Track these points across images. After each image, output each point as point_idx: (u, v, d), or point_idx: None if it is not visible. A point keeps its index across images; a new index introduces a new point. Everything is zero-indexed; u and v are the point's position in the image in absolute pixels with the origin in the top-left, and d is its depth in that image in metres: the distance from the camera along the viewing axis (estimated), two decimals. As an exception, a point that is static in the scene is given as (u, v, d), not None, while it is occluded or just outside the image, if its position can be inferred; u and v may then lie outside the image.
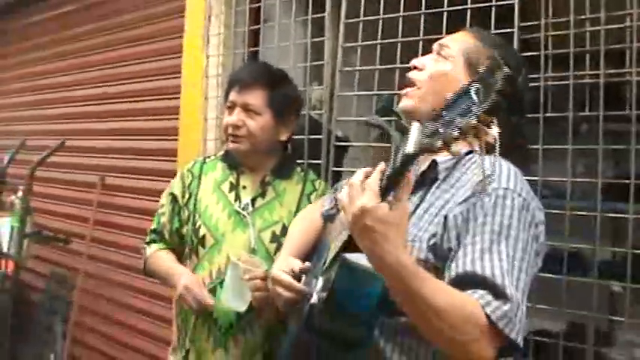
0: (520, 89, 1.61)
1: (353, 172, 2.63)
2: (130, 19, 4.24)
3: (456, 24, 2.44)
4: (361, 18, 2.82)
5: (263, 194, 2.38)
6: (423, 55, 2.45)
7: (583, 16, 2.31)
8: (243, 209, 2.34)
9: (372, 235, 1.25)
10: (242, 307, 2.18)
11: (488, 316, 1.31)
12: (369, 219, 1.25)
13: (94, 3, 4.60)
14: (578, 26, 2.32)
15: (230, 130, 2.32)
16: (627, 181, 2.21)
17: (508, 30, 2.36)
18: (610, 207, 2.31)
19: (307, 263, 1.82)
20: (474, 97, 1.09)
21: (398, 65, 2.68)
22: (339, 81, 2.89)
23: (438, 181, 1.56)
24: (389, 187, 1.26)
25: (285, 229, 2.30)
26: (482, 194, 1.44)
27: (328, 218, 1.99)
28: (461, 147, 1.17)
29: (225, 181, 2.41)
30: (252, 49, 3.36)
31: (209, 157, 2.53)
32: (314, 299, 1.54)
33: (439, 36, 2.38)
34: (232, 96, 2.32)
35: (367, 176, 1.30)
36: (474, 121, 1.08)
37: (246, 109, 2.31)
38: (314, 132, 2.99)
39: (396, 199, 1.26)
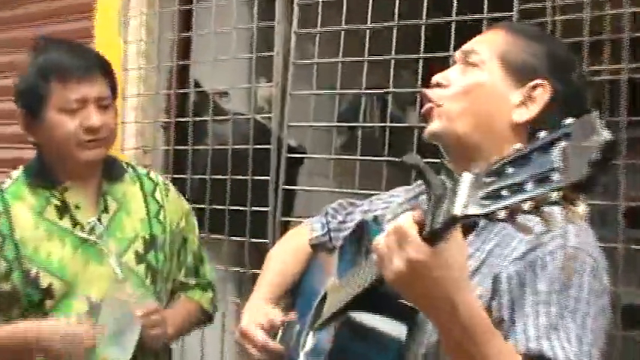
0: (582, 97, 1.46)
1: (309, 190, 2.75)
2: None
3: (438, 7, 2.36)
4: (320, -2, 2.67)
5: (106, 208, 2.05)
6: (397, 45, 2.42)
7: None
8: (90, 234, 2.00)
9: (432, 286, 1.12)
10: (128, 356, 1.95)
11: None
12: (424, 271, 1.11)
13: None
14: (595, 8, 2.15)
15: (86, 136, 1.96)
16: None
17: (505, 13, 2.20)
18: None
19: (291, 314, 1.69)
20: (557, 160, 0.87)
21: (366, 58, 2.50)
22: (293, 76, 2.67)
23: (478, 228, 1.35)
24: (432, 242, 1.10)
25: (147, 244, 2.09)
26: (544, 251, 1.29)
27: (320, 247, 1.81)
28: (533, 224, 0.97)
29: (47, 206, 2.01)
30: (182, 34, 3.09)
31: (2, 183, 2.09)
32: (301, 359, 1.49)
33: (417, 21, 2.36)
34: (78, 91, 1.97)
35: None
36: (553, 195, 0.87)
37: (100, 104, 1.99)
38: (260, 141, 2.77)
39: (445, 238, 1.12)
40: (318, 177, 2.98)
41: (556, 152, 0.89)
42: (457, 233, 1.11)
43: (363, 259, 1.38)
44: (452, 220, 1.02)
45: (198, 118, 2.98)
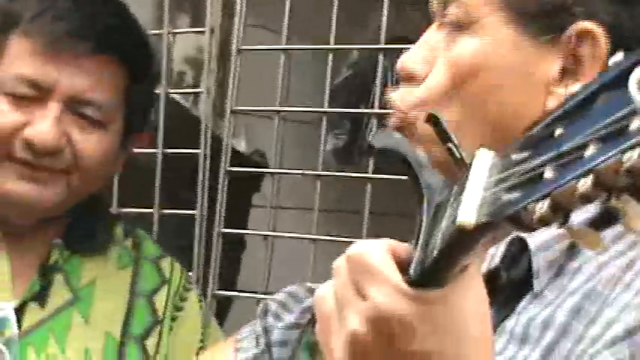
0: None
1: (271, 236, 1.84)
2: None
3: None
4: None
5: (43, 294, 1.39)
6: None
7: None
8: None
9: None
10: None
11: None
12: (403, 337, 0.66)
13: None
14: None
15: (22, 153, 1.33)
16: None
17: None
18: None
19: None
20: (637, 96, 0.46)
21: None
22: (244, 17, 1.74)
23: (535, 289, 0.88)
24: (422, 284, 0.66)
25: None
26: None
27: None
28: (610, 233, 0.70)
29: None
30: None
31: None
32: None
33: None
34: (42, 68, 1.33)
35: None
36: (633, 159, 0.45)
37: (77, 110, 1.33)
38: (180, 141, 1.86)
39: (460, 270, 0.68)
40: (291, 213, 2.00)
41: (634, 84, 0.53)
42: (473, 272, 0.70)
43: None
44: (459, 235, 0.62)
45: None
